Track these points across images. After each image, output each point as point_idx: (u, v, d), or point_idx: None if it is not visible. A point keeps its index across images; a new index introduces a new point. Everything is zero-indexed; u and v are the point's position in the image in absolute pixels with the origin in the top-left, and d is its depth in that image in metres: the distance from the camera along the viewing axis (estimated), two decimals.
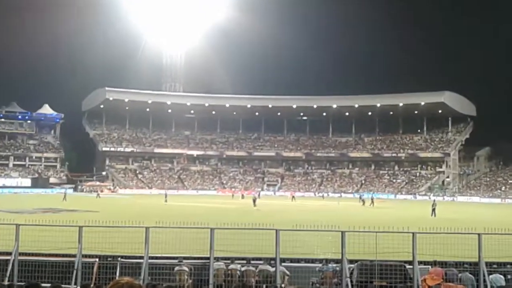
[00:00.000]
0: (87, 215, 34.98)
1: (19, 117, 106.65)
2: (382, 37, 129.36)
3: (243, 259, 12.77)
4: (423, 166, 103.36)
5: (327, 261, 12.75)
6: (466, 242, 11.98)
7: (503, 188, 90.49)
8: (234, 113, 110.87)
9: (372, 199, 61.06)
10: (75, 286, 11.28)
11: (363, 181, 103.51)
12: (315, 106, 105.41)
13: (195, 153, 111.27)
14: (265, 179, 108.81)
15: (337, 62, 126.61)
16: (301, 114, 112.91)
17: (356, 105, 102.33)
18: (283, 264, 12.25)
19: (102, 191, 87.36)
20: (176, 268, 12.02)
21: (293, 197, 69.25)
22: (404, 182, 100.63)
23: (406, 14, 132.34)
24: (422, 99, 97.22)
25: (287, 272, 12.14)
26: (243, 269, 12.27)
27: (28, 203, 49.78)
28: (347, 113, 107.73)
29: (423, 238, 12.14)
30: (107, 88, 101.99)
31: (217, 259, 12.12)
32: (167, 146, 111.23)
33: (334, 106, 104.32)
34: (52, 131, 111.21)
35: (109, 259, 12.50)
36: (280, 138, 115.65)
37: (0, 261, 11.84)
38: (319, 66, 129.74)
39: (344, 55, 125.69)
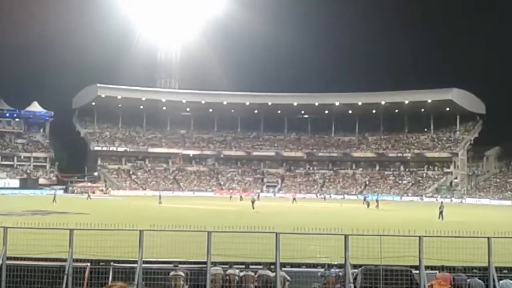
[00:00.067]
0: (78, 217, 34.97)
1: (7, 115, 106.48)
2: (387, 33, 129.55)
3: (241, 263, 12.76)
4: (430, 167, 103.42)
5: (330, 266, 12.75)
6: (475, 246, 11.98)
7: None
8: (232, 110, 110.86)
9: (377, 201, 61.09)
10: None
11: (367, 182, 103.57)
12: (316, 104, 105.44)
13: (191, 152, 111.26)
14: (265, 180, 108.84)
15: (339, 58, 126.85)
16: (302, 112, 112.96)
17: (360, 103, 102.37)
18: (283, 269, 12.24)
19: (94, 192, 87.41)
20: (172, 273, 12.01)
21: (294, 199, 69.24)
22: (410, 183, 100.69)
23: (413, 9, 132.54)
24: (429, 96, 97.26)
25: (288, 277, 12.13)
26: (241, 274, 12.27)
27: (16, 205, 49.72)
28: (350, 111, 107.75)
29: (430, 241, 12.13)
30: (99, 85, 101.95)
31: (214, 263, 12.11)
32: (162, 145, 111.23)
33: (337, 103, 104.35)
34: (42, 130, 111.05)
35: (101, 263, 12.48)
36: (280, 137, 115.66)
37: None
38: (321, 61, 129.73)
39: (347, 51, 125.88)
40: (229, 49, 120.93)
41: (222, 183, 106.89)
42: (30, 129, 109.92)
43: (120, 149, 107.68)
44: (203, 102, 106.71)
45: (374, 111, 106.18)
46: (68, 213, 41.05)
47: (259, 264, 12.75)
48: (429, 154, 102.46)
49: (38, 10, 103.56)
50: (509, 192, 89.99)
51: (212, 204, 61.63)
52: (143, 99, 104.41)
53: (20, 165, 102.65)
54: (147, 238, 12.00)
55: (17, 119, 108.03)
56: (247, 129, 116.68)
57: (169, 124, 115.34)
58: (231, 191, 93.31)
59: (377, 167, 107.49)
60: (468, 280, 11.69)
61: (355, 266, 12.06)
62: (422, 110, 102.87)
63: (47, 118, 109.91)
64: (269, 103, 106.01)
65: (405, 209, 60.32)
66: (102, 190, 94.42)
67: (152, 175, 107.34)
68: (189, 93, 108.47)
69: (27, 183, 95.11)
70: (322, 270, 12.67)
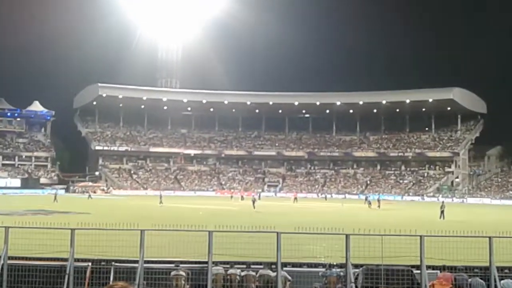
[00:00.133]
0: (79, 217, 35.04)
1: (8, 114, 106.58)
2: (388, 32, 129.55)
3: (243, 263, 12.76)
4: (431, 166, 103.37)
5: (331, 265, 12.74)
6: (477, 246, 11.98)
7: None
8: (233, 110, 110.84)
9: (378, 200, 61.09)
10: None
11: (368, 182, 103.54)
12: (318, 103, 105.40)
13: (192, 152, 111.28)
14: (266, 179, 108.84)
15: (341, 57, 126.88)
16: (304, 111, 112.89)
17: (361, 102, 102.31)
18: (284, 268, 12.24)
19: (95, 192, 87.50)
20: (173, 272, 12.01)
21: (295, 198, 69.31)
22: (411, 183, 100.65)
23: (414, 8, 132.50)
24: (430, 95, 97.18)
25: (289, 277, 12.13)
26: (242, 274, 12.27)
27: (17, 205, 49.78)
28: (351, 111, 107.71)
29: (431, 241, 12.13)
30: (100, 84, 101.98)
31: (215, 263, 12.11)
32: (163, 145, 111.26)
33: (338, 103, 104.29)
34: (43, 129, 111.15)
35: (102, 263, 12.49)
36: (281, 137, 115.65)
37: None
38: (322, 61, 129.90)
39: (348, 50, 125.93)
40: (230, 48, 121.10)
41: (223, 182, 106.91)
42: (31, 128, 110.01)
43: (121, 148, 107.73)
44: (204, 101, 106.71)
45: (375, 111, 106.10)
46: (69, 213, 41.10)
47: (260, 263, 12.75)
48: (430, 154, 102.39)
49: (39, 9, 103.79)
50: (511, 192, 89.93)
51: (213, 203, 61.64)
52: (144, 98, 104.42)
53: (21, 164, 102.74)
54: (148, 237, 12.01)
55: (18, 119, 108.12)
56: (248, 128, 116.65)
57: (170, 124, 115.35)
58: (232, 190, 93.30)
59: (378, 167, 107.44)
60: (469, 280, 11.69)
61: (356, 266, 12.06)
62: (423, 109, 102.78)
63: (48, 117, 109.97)
64: (270, 103, 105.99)
65: (406, 208, 60.32)
66: (103, 190, 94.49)
67: (153, 175, 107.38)
68: (190, 92, 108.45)
69: (29, 182, 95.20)
70: (323, 270, 12.67)
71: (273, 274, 12.02)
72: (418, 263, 11.53)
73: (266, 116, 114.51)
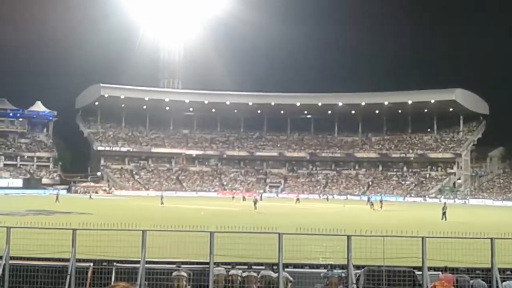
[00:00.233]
0: (81, 217, 35.08)
1: (10, 114, 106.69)
2: (390, 33, 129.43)
3: (244, 264, 12.77)
4: (433, 167, 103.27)
5: (332, 266, 12.74)
6: (478, 247, 11.97)
7: None
8: (235, 111, 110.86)
9: (381, 201, 61.05)
10: None
11: (370, 183, 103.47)
12: (320, 104, 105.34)
13: (194, 153, 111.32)
14: (267, 180, 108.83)
15: (343, 58, 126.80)
16: (305, 112, 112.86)
17: (363, 103, 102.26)
18: (286, 269, 12.24)
19: (97, 192, 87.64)
20: (174, 273, 12.02)
21: (297, 199, 69.36)
22: (413, 184, 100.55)
23: (415, 9, 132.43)
24: (432, 96, 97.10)
25: (291, 278, 12.13)
26: (244, 274, 12.27)
27: (19, 205, 49.84)
28: (353, 111, 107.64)
29: (433, 242, 12.12)
30: (102, 85, 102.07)
31: (217, 264, 12.12)
32: (165, 145, 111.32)
33: (340, 104, 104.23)
34: (45, 130, 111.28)
35: (104, 263, 12.50)
36: (283, 138, 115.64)
37: None
38: (324, 61, 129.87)
39: (350, 51, 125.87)
40: (232, 48, 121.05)
41: (225, 183, 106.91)
42: (33, 129, 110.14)
43: (123, 149, 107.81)
44: (206, 102, 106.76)
45: (377, 112, 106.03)
46: (71, 213, 41.14)
47: (262, 264, 12.75)
48: (432, 155, 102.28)
49: (41, 9, 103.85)
50: None
51: (215, 204, 61.67)
52: (146, 99, 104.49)
53: (23, 165, 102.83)
54: (150, 238, 12.01)
55: (20, 119, 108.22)
56: (250, 129, 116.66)
57: (172, 124, 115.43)
58: (234, 191, 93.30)
59: (380, 168, 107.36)
60: (471, 281, 11.67)
61: (357, 267, 12.06)
62: (426, 110, 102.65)
63: (51, 118, 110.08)
64: (272, 103, 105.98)
65: (408, 210, 60.26)
66: (105, 190, 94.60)
67: (155, 175, 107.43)
68: (192, 93, 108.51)
69: (30, 183, 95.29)
70: (324, 270, 12.67)
71: (274, 275, 12.02)
72: (420, 264, 11.52)
73: (268, 116, 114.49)
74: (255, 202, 53.69)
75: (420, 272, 11.51)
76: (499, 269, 11.62)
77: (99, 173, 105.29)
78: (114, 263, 12.43)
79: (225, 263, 12.59)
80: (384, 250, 11.41)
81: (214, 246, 11.67)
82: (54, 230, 12.34)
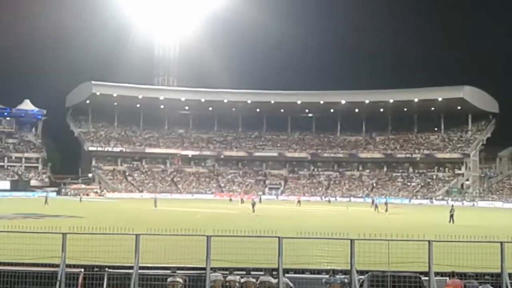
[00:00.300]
0: (71, 221, 35.04)
1: None
2: (396, 28, 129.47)
3: (242, 269, 12.76)
4: (440, 168, 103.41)
5: (335, 272, 12.75)
6: (488, 251, 11.96)
7: None
8: (233, 109, 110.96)
9: (386, 204, 61.10)
10: None
11: (374, 184, 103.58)
12: (321, 102, 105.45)
13: (190, 153, 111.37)
14: (267, 182, 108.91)
15: (346, 54, 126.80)
16: (306, 110, 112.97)
17: (367, 101, 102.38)
18: (286, 275, 12.23)
19: (88, 194, 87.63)
20: (169, 279, 12.01)
21: (298, 201, 69.43)
22: (420, 186, 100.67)
23: (421, 6, 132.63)
24: (439, 94, 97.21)
25: (291, 284, 12.14)
26: (242, 280, 12.27)
27: (7, 208, 49.80)
28: (356, 110, 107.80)
29: (440, 246, 12.12)
30: (93, 82, 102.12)
31: (214, 269, 12.11)
32: (160, 145, 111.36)
33: (343, 102, 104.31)
34: (34, 129, 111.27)
35: (95, 269, 12.50)
36: (283, 137, 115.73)
37: None
38: (326, 58, 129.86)
39: (353, 47, 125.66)
40: (230, 44, 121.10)
41: (222, 185, 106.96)
42: (21, 128, 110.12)
43: (115, 149, 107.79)
44: (202, 100, 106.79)
45: (381, 110, 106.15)
46: (61, 217, 41.11)
47: (261, 270, 12.75)
48: (439, 155, 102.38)
49: (30, 4, 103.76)
50: None
51: (212, 207, 61.73)
52: (140, 97, 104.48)
53: (11, 166, 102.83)
54: (143, 242, 12.00)
55: (8, 118, 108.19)
56: (249, 128, 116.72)
57: (167, 123, 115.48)
58: (231, 193, 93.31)
59: (385, 169, 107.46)
60: (480, 287, 11.68)
61: (361, 272, 12.06)
62: (432, 108, 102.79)
63: (39, 117, 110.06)
64: (272, 102, 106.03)
65: (414, 212, 60.38)
66: (96, 192, 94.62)
67: (149, 177, 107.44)
68: (188, 90, 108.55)
69: (18, 184, 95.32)
70: (326, 276, 12.68)
71: (274, 281, 12.02)
72: (426, 269, 11.52)
73: (267, 115, 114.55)
74: (253, 204, 53.74)
75: (427, 278, 11.51)
76: (509, 274, 11.62)
77: (90, 175, 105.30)
78: (106, 269, 12.43)
79: (223, 269, 12.58)
80: (389, 255, 11.42)
81: (211, 250, 11.67)
82: (43, 234, 12.32)
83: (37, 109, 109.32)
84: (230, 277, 12.31)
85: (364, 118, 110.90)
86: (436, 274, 11.64)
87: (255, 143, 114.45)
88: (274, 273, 12.13)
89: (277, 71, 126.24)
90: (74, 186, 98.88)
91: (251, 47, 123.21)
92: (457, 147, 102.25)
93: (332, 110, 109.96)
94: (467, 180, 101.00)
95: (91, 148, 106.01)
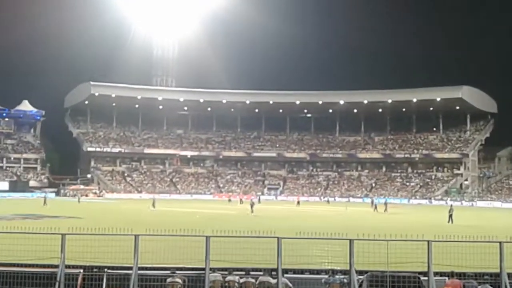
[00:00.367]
0: (70, 221, 35.04)
1: None
2: (394, 28, 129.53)
3: (241, 270, 12.75)
4: (439, 168, 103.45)
5: (334, 272, 12.75)
6: (487, 251, 11.97)
7: None
8: (232, 109, 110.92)
9: (385, 204, 61.17)
10: None
11: (373, 185, 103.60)
12: (320, 102, 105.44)
13: (189, 153, 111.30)
14: (266, 182, 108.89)
15: (344, 54, 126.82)
16: (305, 111, 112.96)
17: (366, 101, 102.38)
18: (285, 275, 12.23)
19: (87, 195, 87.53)
20: (169, 279, 12.01)
21: (298, 202, 69.46)
22: (418, 186, 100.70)
23: (419, 6, 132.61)
24: (438, 94, 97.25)
25: (290, 284, 12.13)
26: (241, 280, 12.27)
27: (5, 209, 49.74)
28: (355, 110, 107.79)
29: (439, 246, 12.12)
30: (92, 83, 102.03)
31: (213, 270, 12.11)
32: (158, 146, 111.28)
33: (341, 102, 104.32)
34: (32, 130, 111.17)
35: (94, 270, 12.48)
36: (282, 137, 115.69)
37: None
38: (325, 58, 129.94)
39: (352, 47, 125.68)
40: (228, 45, 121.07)
41: (221, 185, 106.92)
42: (20, 129, 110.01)
43: (114, 150, 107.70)
44: (201, 100, 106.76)
45: (380, 110, 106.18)
46: (59, 217, 41.06)
47: (260, 270, 12.74)
48: (438, 155, 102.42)
49: (29, 5, 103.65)
50: None
51: (211, 207, 61.70)
52: (139, 97, 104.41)
53: (9, 166, 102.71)
54: (143, 243, 11.99)
55: (6, 119, 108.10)
56: (248, 129, 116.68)
57: (166, 124, 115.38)
58: (230, 194, 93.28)
59: (384, 169, 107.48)
60: (479, 287, 11.69)
61: (360, 273, 12.06)
62: (431, 109, 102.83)
63: (38, 117, 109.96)
64: (271, 102, 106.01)
65: (413, 212, 60.41)
66: (95, 193, 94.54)
67: (148, 177, 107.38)
68: (186, 91, 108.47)
69: (17, 185, 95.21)
70: (326, 276, 12.68)
71: (273, 281, 12.02)
72: (425, 269, 11.52)
73: (266, 115, 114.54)
74: (251, 205, 53.75)
75: (426, 278, 11.52)
76: (509, 274, 11.63)
77: (89, 175, 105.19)
78: (105, 270, 12.41)
79: (222, 269, 12.57)
80: (388, 255, 11.42)
81: (210, 251, 11.66)
82: (42, 235, 12.31)
83: (35, 109, 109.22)
84: (229, 278, 12.31)
85: (362, 118, 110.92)
86: (435, 274, 11.65)
87: (254, 143, 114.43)
88: (273, 273, 12.13)
89: (276, 71, 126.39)
90: (73, 186, 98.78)
91: (250, 48, 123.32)
92: (456, 147, 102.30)
93: (330, 111, 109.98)
94: (466, 180, 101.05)
95: (89, 149, 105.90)
